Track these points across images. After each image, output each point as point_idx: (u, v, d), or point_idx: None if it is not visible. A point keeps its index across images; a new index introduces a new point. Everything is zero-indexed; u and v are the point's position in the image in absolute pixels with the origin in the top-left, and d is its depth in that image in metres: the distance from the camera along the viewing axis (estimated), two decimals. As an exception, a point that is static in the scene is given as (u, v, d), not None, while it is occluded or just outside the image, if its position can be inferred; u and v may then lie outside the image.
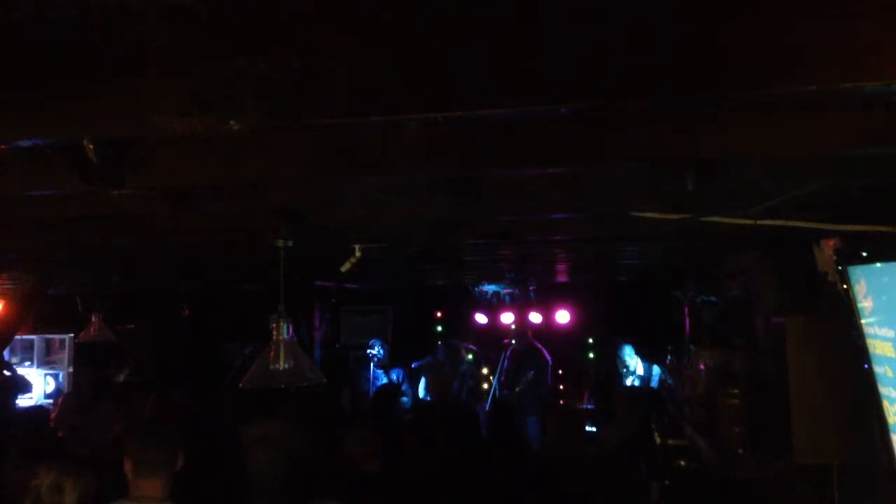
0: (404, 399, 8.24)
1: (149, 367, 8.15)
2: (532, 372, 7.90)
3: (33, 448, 4.09)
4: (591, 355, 9.33)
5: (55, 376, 8.32)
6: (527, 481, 4.58)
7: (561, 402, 8.32)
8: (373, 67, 1.49)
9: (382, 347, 8.80)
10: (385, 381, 8.44)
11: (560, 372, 8.78)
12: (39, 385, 8.18)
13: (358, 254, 3.93)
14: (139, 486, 2.82)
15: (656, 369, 8.10)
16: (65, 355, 8.37)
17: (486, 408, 7.53)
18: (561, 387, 8.89)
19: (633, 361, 8.18)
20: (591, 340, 9.41)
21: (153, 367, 8.16)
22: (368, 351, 8.82)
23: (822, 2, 1.34)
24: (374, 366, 8.70)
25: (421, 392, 8.19)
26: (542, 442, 5.04)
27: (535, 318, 8.84)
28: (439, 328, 10.06)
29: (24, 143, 1.85)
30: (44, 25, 1.57)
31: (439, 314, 10.09)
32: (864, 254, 2.88)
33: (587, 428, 6.78)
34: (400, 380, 8.46)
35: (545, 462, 4.62)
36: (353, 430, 4.11)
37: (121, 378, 7.87)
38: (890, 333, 2.73)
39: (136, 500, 2.81)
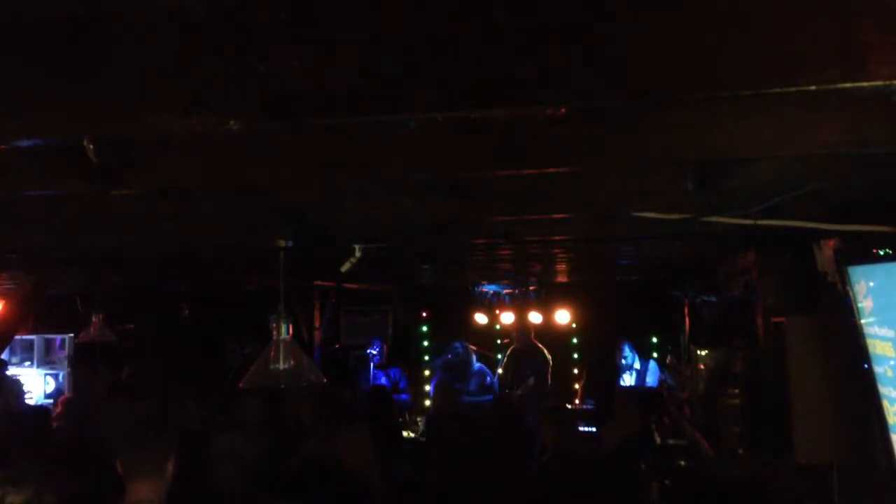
0: (404, 396, 8.25)
1: (149, 367, 8.14)
2: (533, 377, 7.92)
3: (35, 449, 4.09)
4: (591, 355, 9.35)
5: (55, 376, 8.33)
6: (526, 482, 4.58)
7: (561, 401, 8.32)
8: (373, 67, 1.49)
9: (381, 348, 8.81)
10: (384, 380, 8.44)
11: (560, 372, 8.79)
12: (39, 385, 8.19)
13: (358, 254, 3.93)
14: (132, 489, 2.81)
15: (653, 364, 8.16)
16: (65, 355, 8.38)
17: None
18: (560, 387, 8.90)
19: (632, 356, 8.24)
20: (590, 340, 9.42)
21: (153, 367, 8.15)
22: (368, 350, 8.83)
23: (822, 2, 1.34)
24: (373, 366, 8.71)
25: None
26: (538, 442, 5.04)
27: (535, 318, 8.85)
28: (439, 328, 10.08)
29: (24, 143, 1.85)
30: (44, 25, 1.57)
31: (439, 314, 10.11)
32: (864, 254, 2.88)
33: (586, 428, 6.79)
34: (397, 378, 8.46)
35: (545, 462, 4.63)
36: (353, 445, 4.09)
37: (122, 378, 7.87)
38: (890, 333, 2.74)
39: None
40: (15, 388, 6.60)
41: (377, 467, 4.06)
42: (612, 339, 8.42)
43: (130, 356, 8.35)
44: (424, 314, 10.12)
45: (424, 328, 10.15)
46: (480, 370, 8.55)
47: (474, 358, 8.67)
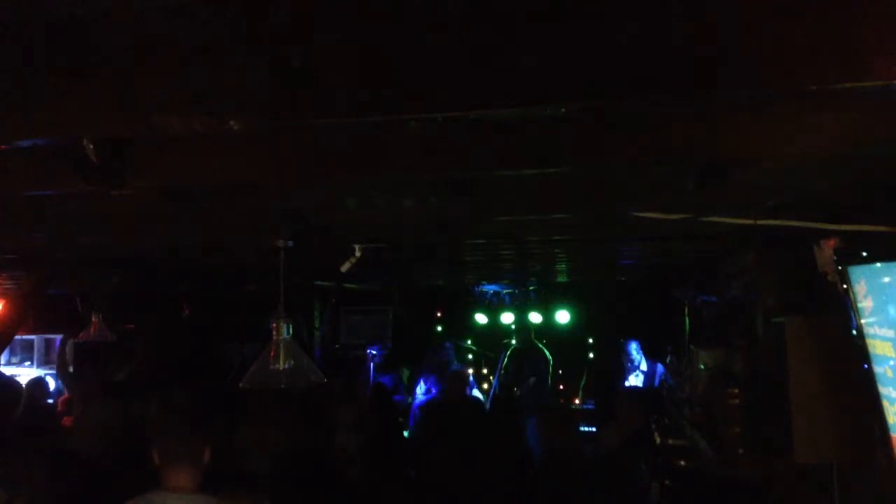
0: (399, 397, 8.19)
1: (149, 367, 8.14)
2: (533, 378, 7.90)
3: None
4: (591, 355, 9.35)
5: (55, 376, 8.32)
6: (526, 482, 4.58)
7: (561, 401, 8.33)
8: (373, 67, 1.49)
9: (381, 351, 8.74)
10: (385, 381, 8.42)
11: (560, 372, 8.79)
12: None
13: (358, 254, 3.93)
14: (168, 476, 2.87)
15: (660, 368, 8.11)
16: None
17: (488, 407, 7.50)
18: (560, 387, 8.91)
19: (639, 357, 8.18)
20: (591, 340, 9.43)
21: (153, 366, 8.15)
22: (368, 350, 8.82)
23: (822, 2, 1.34)
24: (372, 366, 8.67)
25: (419, 393, 8.15)
26: (538, 442, 5.04)
27: (535, 318, 8.85)
28: (439, 328, 10.07)
29: (24, 143, 1.85)
30: (44, 25, 1.57)
31: (439, 314, 10.10)
32: (864, 254, 2.88)
33: (586, 428, 6.79)
34: (395, 382, 8.40)
35: (543, 463, 4.62)
36: (333, 435, 4.12)
37: (119, 377, 7.86)
38: (890, 333, 2.73)
39: (168, 491, 2.85)
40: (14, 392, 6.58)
41: (357, 461, 4.10)
42: (613, 338, 8.41)
43: (121, 356, 8.33)
44: (432, 313, 10.04)
45: (426, 327, 10.08)
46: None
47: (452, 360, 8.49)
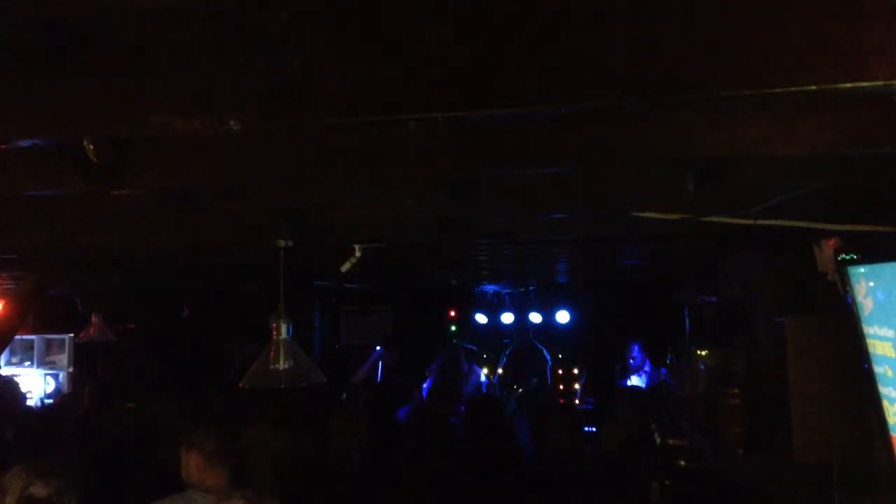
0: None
1: (149, 367, 8.14)
2: (535, 378, 7.91)
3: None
4: (591, 355, 9.35)
5: (55, 376, 8.33)
6: (524, 482, 4.58)
7: (561, 401, 8.33)
8: (372, 67, 1.49)
9: (392, 353, 8.55)
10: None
11: (560, 372, 8.80)
12: (40, 385, 8.20)
13: (358, 254, 3.93)
14: (207, 476, 2.94)
15: (662, 369, 8.08)
16: (65, 355, 8.39)
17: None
18: (560, 387, 8.91)
19: (643, 358, 8.16)
20: (591, 340, 9.42)
21: (153, 367, 8.15)
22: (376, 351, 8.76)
23: (822, 2, 1.34)
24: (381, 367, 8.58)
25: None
26: (535, 442, 5.04)
27: (535, 318, 8.85)
28: (439, 328, 10.06)
29: (24, 143, 1.85)
30: (44, 25, 1.57)
31: (440, 314, 10.08)
32: (864, 254, 2.88)
33: (586, 428, 6.79)
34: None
35: (542, 462, 4.63)
36: (341, 422, 4.14)
37: (109, 378, 7.85)
38: (890, 333, 2.73)
39: (207, 491, 2.90)
40: (14, 390, 6.60)
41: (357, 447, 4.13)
42: (613, 338, 8.41)
43: (116, 357, 8.33)
44: (432, 313, 9.95)
45: (425, 328, 10.02)
46: (468, 371, 8.36)
47: (463, 359, 8.45)
